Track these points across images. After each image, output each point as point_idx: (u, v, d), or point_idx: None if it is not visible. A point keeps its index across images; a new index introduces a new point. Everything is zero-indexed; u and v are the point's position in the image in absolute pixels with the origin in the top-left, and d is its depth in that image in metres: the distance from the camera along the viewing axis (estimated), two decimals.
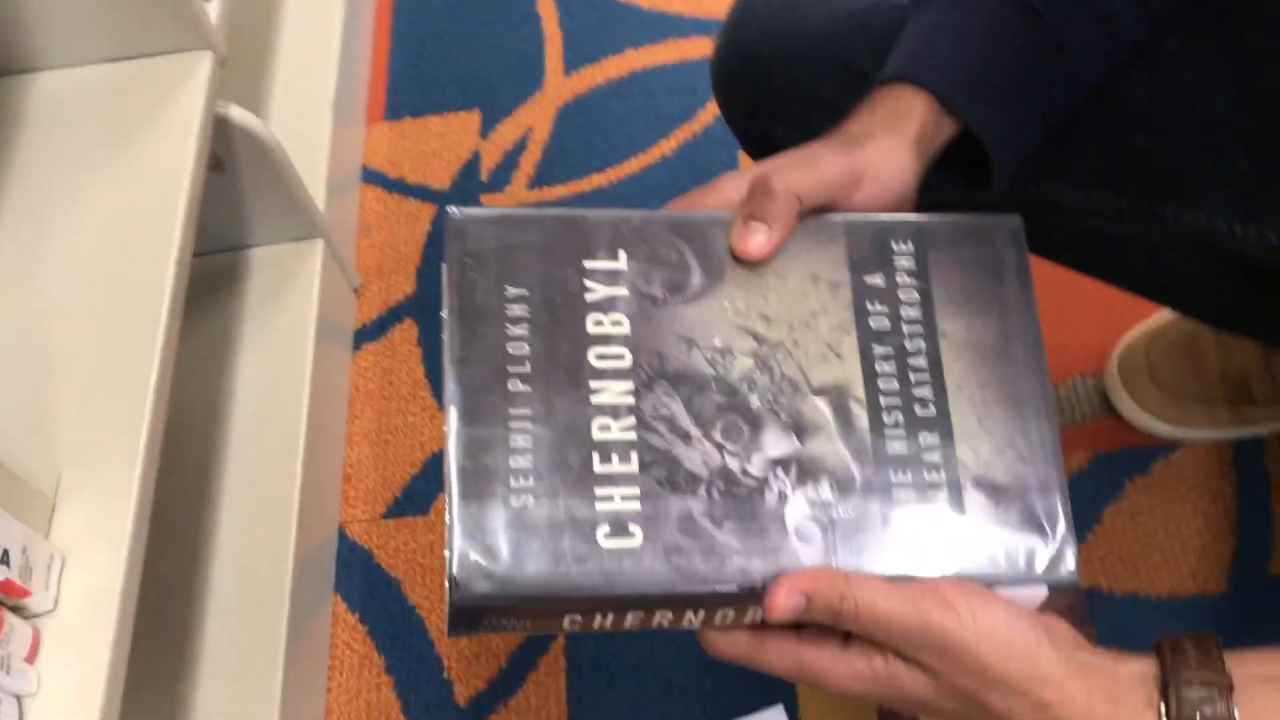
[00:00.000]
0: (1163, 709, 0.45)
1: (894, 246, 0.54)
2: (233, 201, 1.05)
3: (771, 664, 0.49)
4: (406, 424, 1.13)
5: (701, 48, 1.30)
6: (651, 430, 0.49)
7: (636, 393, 0.50)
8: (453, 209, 0.51)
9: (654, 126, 1.26)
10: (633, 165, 1.24)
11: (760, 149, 0.72)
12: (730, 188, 0.54)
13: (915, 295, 0.53)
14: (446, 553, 0.47)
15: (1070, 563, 0.50)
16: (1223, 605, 0.96)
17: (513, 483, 0.48)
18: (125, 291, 0.78)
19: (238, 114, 0.94)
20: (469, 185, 1.26)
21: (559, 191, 1.24)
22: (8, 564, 0.62)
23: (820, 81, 0.69)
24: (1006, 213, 0.56)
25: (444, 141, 1.29)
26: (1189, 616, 0.95)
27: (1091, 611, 0.96)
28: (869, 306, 0.53)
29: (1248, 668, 0.46)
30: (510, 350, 0.49)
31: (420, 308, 1.19)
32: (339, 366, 1.15)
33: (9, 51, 0.89)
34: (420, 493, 1.10)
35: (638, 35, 1.33)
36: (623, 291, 0.51)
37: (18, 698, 0.63)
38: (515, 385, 0.49)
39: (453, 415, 0.48)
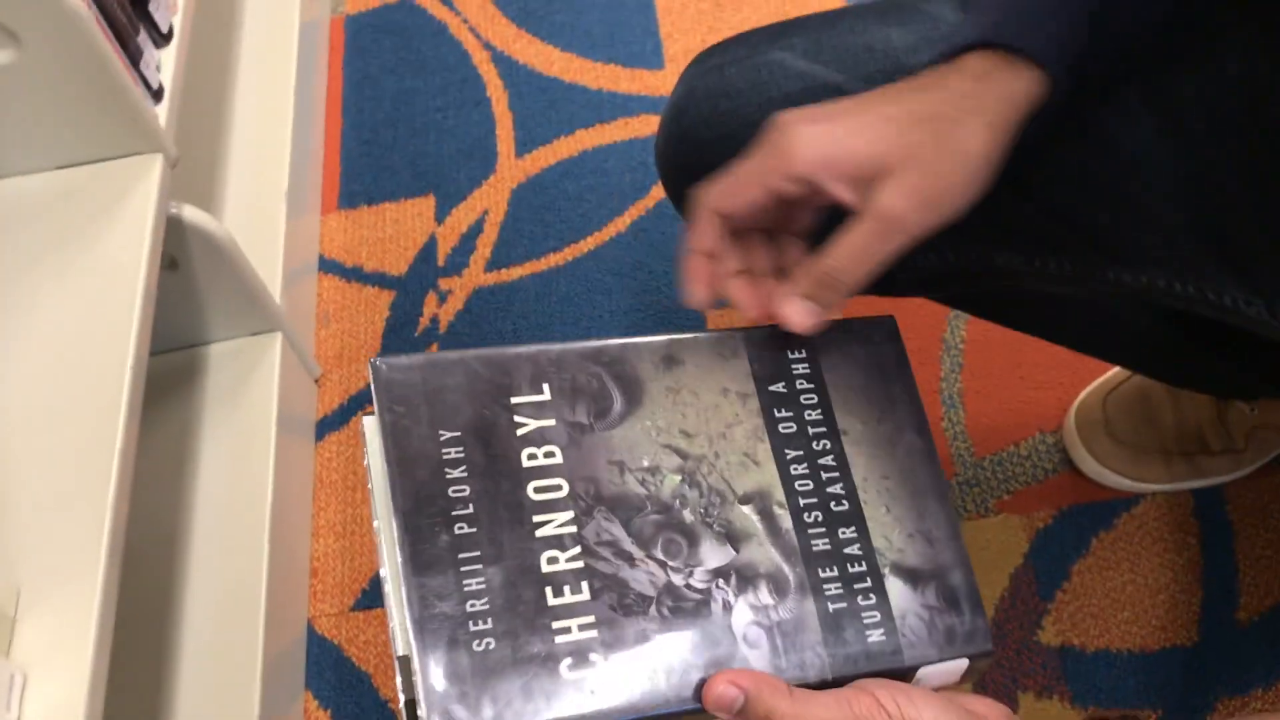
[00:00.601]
0: None
1: (789, 355, 0.57)
2: (189, 299, 1.05)
3: None
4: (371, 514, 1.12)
5: (649, 125, 1.32)
6: (597, 557, 0.51)
7: (578, 521, 0.51)
8: (376, 360, 0.52)
9: (608, 204, 1.28)
10: (589, 243, 1.26)
11: None
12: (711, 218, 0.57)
13: (814, 398, 0.57)
14: (407, 708, 0.47)
15: (985, 633, 0.54)
16: (1194, 656, 0.96)
17: (472, 627, 0.48)
18: (81, 398, 0.77)
19: (190, 214, 0.94)
20: (426, 270, 1.26)
21: (517, 272, 1.25)
22: None
23: None
24: (881, 316, 0.60)
25: (400, 228, 1.30)
26: (1160, 670, 0.95)
27: (1064, 670, 0.97)
28: (776, 413, 0.56)
29: None
30: (452, 494, 0.50)
31: None
32: (302, 458, 1.14)
33: None
34: None
35: (586, 115, 1.35)
36: (550, 423, 0.53)
37: None
38: (461, 528, 0.49)
39: (399, 564, 0.48)
